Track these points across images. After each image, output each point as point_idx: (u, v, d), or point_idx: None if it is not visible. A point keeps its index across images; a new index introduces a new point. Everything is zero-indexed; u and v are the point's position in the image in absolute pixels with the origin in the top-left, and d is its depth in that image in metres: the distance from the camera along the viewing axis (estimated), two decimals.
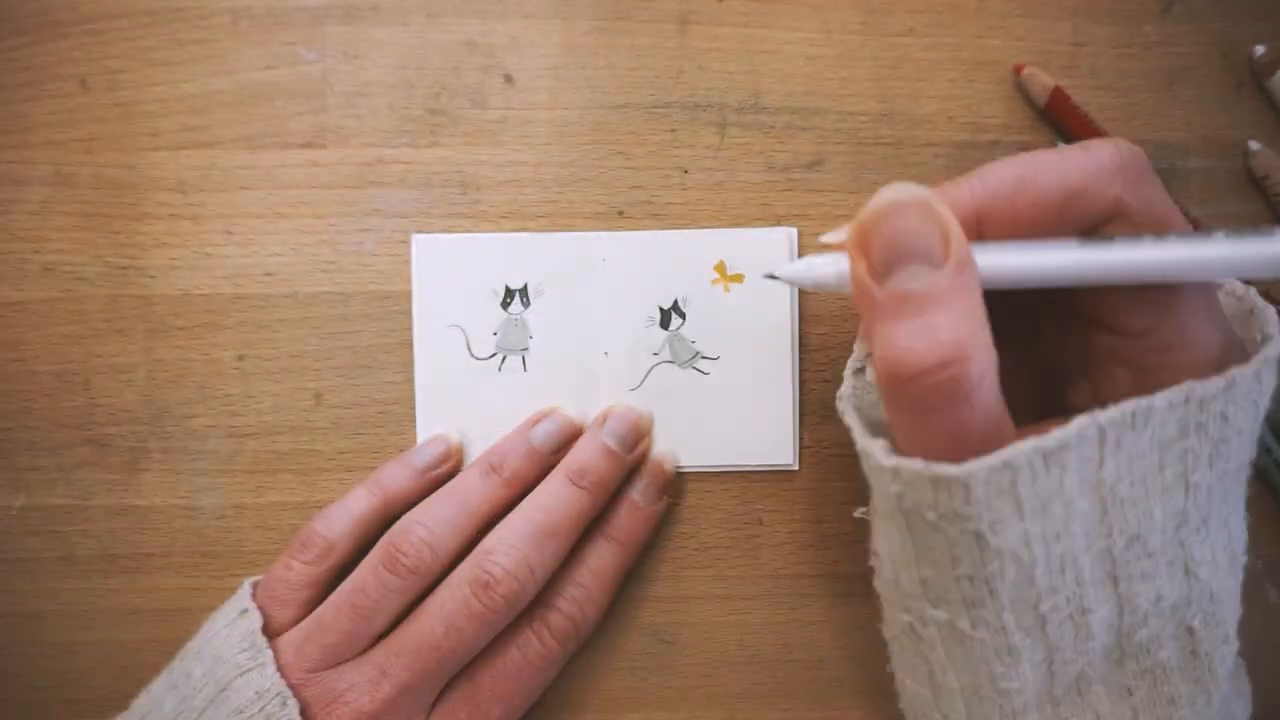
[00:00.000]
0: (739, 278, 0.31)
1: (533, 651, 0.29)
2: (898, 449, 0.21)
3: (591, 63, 0.32)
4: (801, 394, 0.32)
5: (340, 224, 0.32)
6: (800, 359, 0.31)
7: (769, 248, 0.31)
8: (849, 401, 0.25)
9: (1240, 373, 0.20)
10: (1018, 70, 0.32)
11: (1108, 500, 0.20)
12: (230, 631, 0.27)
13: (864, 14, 0.32)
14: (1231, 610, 0.23)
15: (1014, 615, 0.21)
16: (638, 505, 0.30)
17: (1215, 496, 0.22)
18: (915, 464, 0.20)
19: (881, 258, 0.20)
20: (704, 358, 0.31)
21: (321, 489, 0.31)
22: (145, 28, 0.31)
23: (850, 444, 0.24)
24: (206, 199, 0.31)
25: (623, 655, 0.32)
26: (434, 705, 0.28)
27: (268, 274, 0.31)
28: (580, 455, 0.29)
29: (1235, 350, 0.22)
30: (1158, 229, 0.21)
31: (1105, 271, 0.21)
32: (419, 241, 0.31)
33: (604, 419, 0.30)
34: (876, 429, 0.23)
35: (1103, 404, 0.20)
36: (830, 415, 0.32)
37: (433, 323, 0.31)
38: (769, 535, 0.32)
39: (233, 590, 0.30)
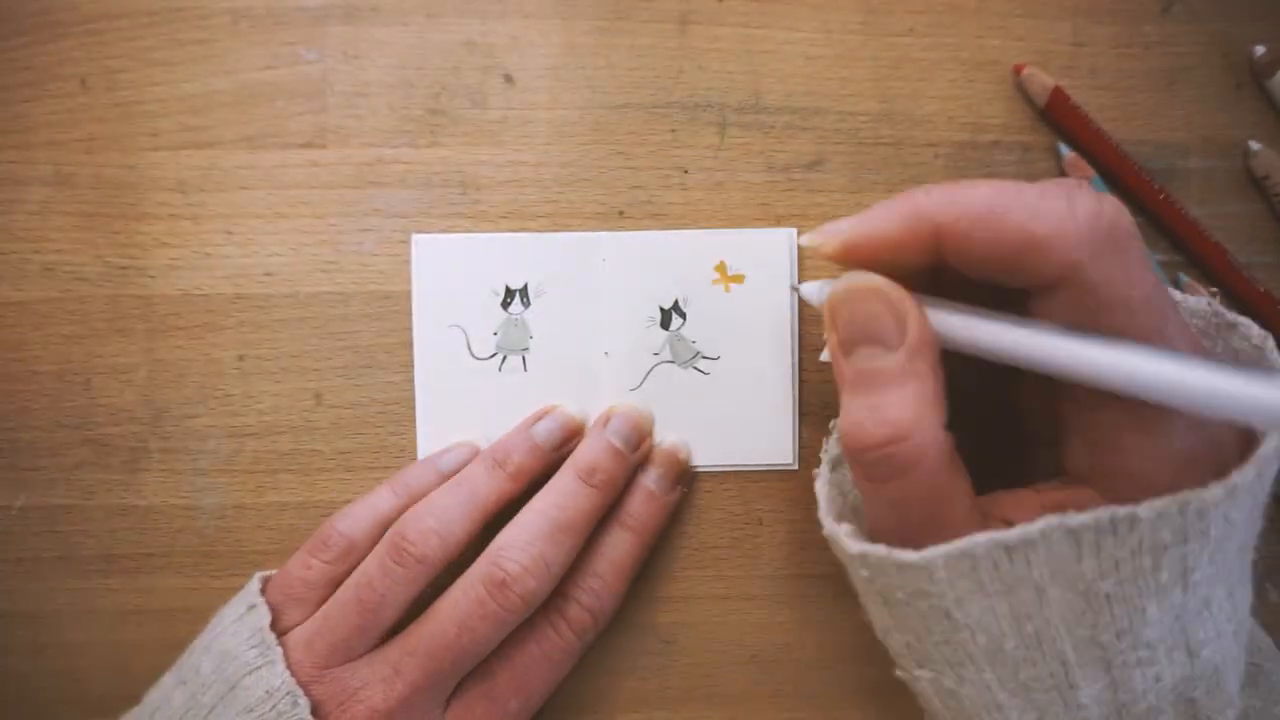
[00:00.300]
0: (739, 278, 0.31)
1: (550, 644, 0.28)
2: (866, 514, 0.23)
3: (591, 63, 0.32)
4: (801, 394, 0.32)
5: (340, 224, 0.32)
6: (800, 359, 0.31)
7: (769, 248, 0.31)
8: (824, 480, 0.25)
9: (1241, 476, 0.19)
10: (1018, 70, 0.32)
11: (1090, 595, 0.20)
12: (239, 627, 0.27)
13: (864, 14, 0.32)
14: (1234, 674, 0.22)
15: (995, 676, 0.21)
16: (653, 494, 0.30)
17: (1218, 581, 0.21)
18: (879, 550, 0.21)
19: (847, 335, 0.22)
20: (704, 358, 0.31)
21: (321, 489, 0.31)
22: (145, 28, 0.31)
23: None
24: (206, 199, 0.31)
25: (623, 655, 0.32)
26: (450, 700, 0.28)
27: (268, 274, 0.31)
28: (588, 454, 0.29)
29: (1216, 431, 0.20)
30: (1110, 309, 0.20)
31: (1064, 366, 0.20)
32: (419, 241, 0.31)
33: (607, 419, 0.30)
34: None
35: (1074, 472, 0.21)
36: (830, 415, 0.32)
37: (433, 323, 0.31)
38: (769, 535, 0.32)
39: (235, 589, 0.30)
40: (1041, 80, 0.32)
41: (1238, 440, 0.21)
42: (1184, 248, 0.32)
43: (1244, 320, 0.23)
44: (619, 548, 0.30)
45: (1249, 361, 0.23)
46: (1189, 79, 0.33)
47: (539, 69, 0.32)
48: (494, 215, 0.32)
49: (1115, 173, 0.32)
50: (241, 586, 0.29)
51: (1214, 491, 0.19)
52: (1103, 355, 0.19)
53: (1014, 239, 0.20)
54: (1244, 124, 0.32)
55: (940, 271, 0.23)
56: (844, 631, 0.32)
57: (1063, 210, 0.20)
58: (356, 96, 0.32)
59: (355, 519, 0.29)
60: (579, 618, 0.29)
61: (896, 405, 0.21)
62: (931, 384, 0.21)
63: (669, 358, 0.31)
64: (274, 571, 0.29)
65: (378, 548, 0.28)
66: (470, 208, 0.32)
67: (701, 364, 0.31)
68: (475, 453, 0.30)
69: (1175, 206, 0.31)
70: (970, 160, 0.32)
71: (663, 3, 0.32)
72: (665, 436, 0.31)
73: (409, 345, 0.31)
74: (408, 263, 0.31)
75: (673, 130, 0.32)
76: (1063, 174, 0.32)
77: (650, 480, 0.30)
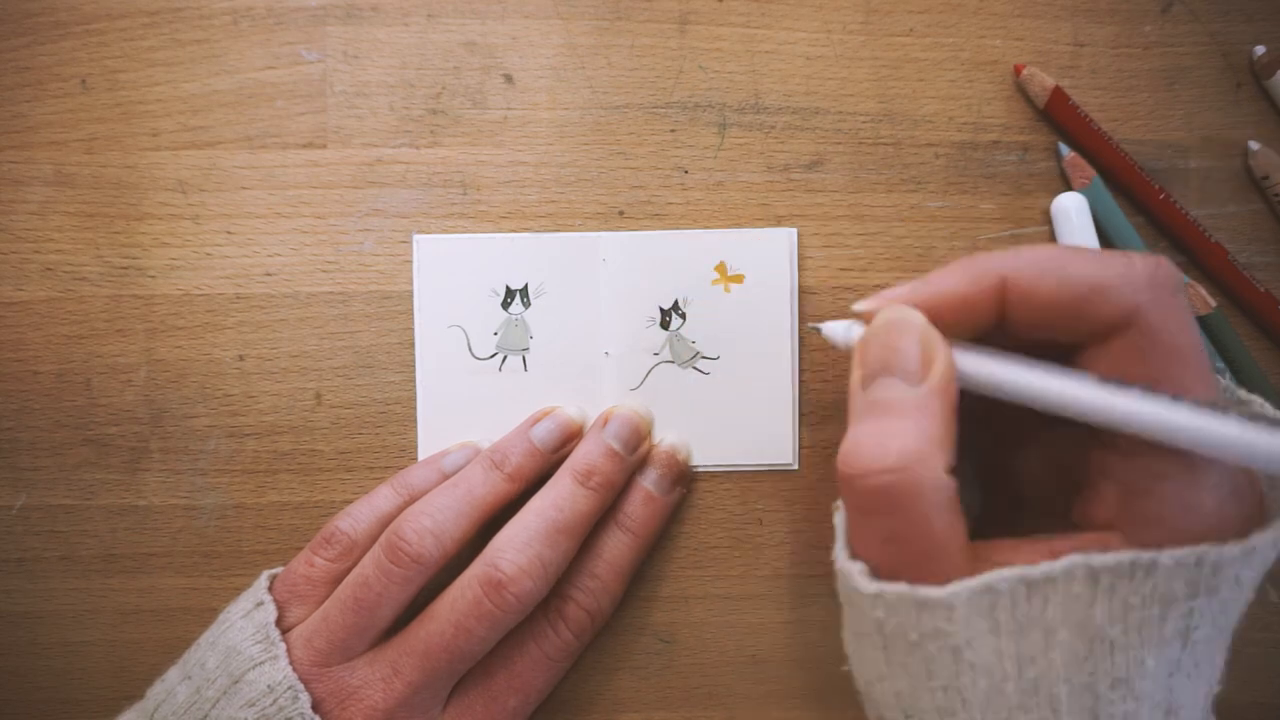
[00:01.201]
0: (739, 278, 0.31)
1: (548, 644, 0.29)
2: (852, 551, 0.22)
3: (591, 63, 0.32)
4: (801, 394, 0.32)
5: (340, 224, 0.32)
6: (800, 359, 0.31)
7: (769, 248, 0.31)
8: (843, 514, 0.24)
9: (1260, 539, 0.20)
10: (1018, 70, 0.32)
11: (1095, 640, 0.20)
12: (245, 624, 0.27)
13: (864, 14, 0.32)
14: None
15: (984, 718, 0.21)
16: (652, 496, 0.30)
17: (1214, 645, 0.21)
18: (900, 588, 0.20)
19: (870, 369, 0.22)
20: (704, 358, 0.31)
21: (321, 489, 0.31)
22: (145, 28, 0.31)
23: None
24: (207, 199, 0.31)
25: (623, 655, 0.32)
26: (449, 698, 0.28)
27: (268, 274, 0.31)
28: (586, 456, 0.29)
29: (1242, 491, 0.21)
30: (1167, 355, 0.21)
31: (1102, 414, 0.20)
32: (420, 241, 0.31)
33: (605, 421, 0.30)
34: None
35: (1091, 521, 0.21)
36: (830, 415, 0.32)
37: (434, 323, 0.31)
38: (769, 535, 0.32)
39: (235, 589, 0.30)
40: (1041, 80, 0.32)
41: (1260, 505, 0.21)
42: (1184, 248, 0.32)
43: (1256, 399, 0.24)
44: (617, 549, 0.30)
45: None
46: (1189, 79, 0.33)
47: (539, 69, 0.32)
48: (494, 215, 0.32)
49: (1115, 173, 0.32)
50: (242, 586, 0.30)
51: (1232, 549, 0.19)
52: (1149, 406, 0.20)
53: (1079, 284, 0.21)
54: (1244, 124, 0.32)
55: (990, 338, 0.23)
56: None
57: (1123, 261, 0.21)
58: (356, 96, 0.32)
59: (357, 518, 0.29)
60: (577, 618, 0.29)
61: (901, 436, 0.20)
62: (943, 425, 0.21)
63: (669, 358, 0.31)
64: (281, 569, 0.29)
65: (374, 547, 0.28)
66: (470, 208, 0.32)
67: (701, 364, 0.31)
68: (477, 454, 0.30)
69: (1175, 206, 0.31)
70: (970, 160, 0.32)
71: (663, 3, 0.32)
72: (665, 437, 0.31)
73: (409, 345, 0.31)
74: (408, 263, 0.31)
75: (673, 130, 0.32)
76: (1063, 174, 0.32)
77: (649, 482, 0.30)
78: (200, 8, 0.31)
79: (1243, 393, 0.25)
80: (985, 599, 0.20)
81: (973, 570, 0.21)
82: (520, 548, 0.27)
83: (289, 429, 0.31)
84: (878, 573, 0.22)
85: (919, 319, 0.22)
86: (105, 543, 0.31)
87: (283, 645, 0.27)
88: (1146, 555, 0.19)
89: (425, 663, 0.26)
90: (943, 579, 0.20)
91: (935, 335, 0.22)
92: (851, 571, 0.22)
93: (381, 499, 0.29)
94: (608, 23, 0.32)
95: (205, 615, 0.31)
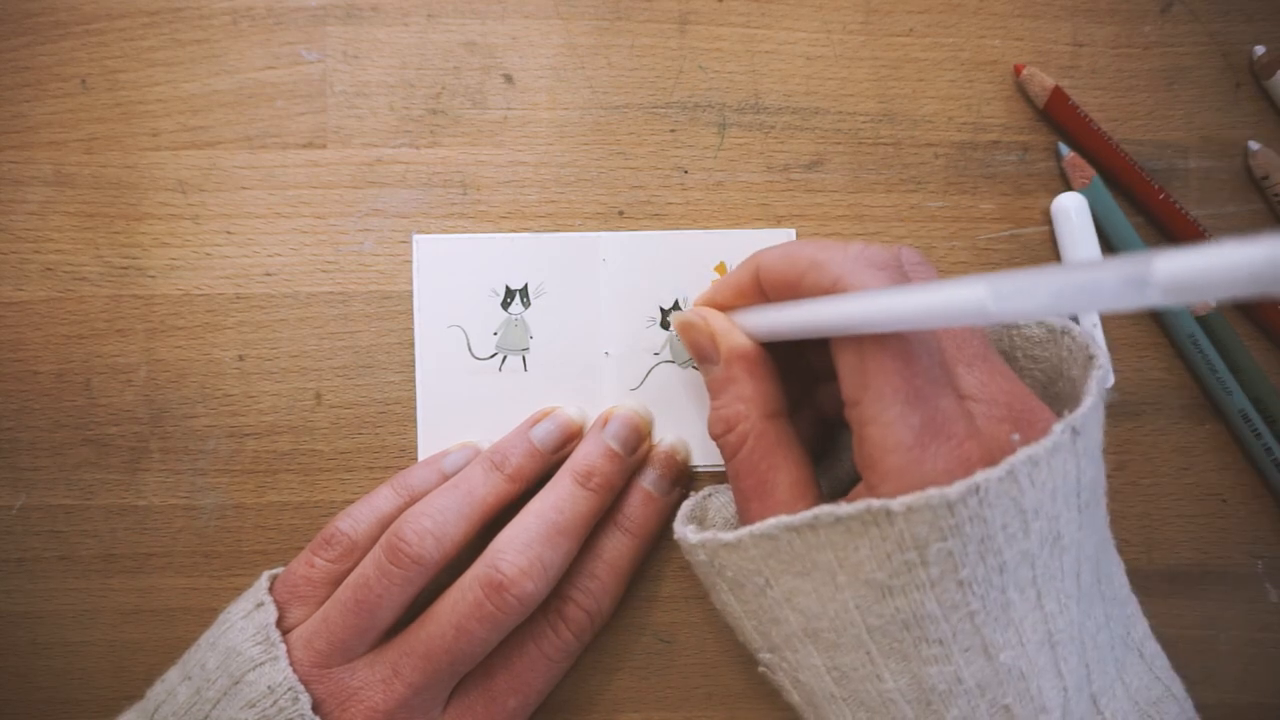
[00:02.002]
0: None
1: (548, 645, 0.29)
2: None
3: (591, 63, 0.32)
4: None
5: (340, 224, 0.32)
6: None
7: None
8: (690, 500, 0.30)
9: (985, 476, 0.20)
10: (1018, 70, 0.32)
11: (871, 585, 0.22)
12: (246, 624, 0.27)
13: (864, 14, 0.32)
14: (1050, 683, 0.22)
15: (821, 661, 0.24)
16: (651, 496, 0.30)
17: (1010, 586, 0.22)
18: (707, 535, 0.25)
19: (694, 357, 0.28)
20: None
21: (321, 489, 0.31)
22: (145, 28, 0.31)
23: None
24: (207, 199, 0.31)
25: (623, 655, 0.32)
26: (449, 699, 0.28)
27: (268, 274, 0.31)
28: (586, 457, 0.29)
29: (944, 422, 0.22)
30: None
31: (809, 324, 0.23)
32: (420, 241, 0.31)
33: (605, 421, 0.30)
34: None
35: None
36: None
37: (433, 323, 0.31)
38: None
39: (235, 589, 0.30)
40: (1041, 80, 0.32)
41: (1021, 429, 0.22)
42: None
43: (1073, 327, 0.26)
44: (616, 549, 0.30)
45: (1079, 360, 0.25)
46: (1189, 79, 0.33)
47: (539, 69, 0.32)
48: (494, 215, 0.32)
49: (1115, 173, 0.32)
50: (242, 586, 0.30)
51: (956, 489, 0.20)
52: (849, 302, 0.22)
53: (801, 261, 0.24)
54: (1244, 124, 0.33)
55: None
56: None
57: (841, 244, 0.24)
58: (356, 96, 0.32)
59: (357, 518, 0.29)
60: (576, 618, 0.29)
61: (724, 404, 0.26)
62: (748, 385, 0.26)
63: (669, 357, 0.31)
64: (282, 569, 0.29)
65: (375, 548, 0.28)
66: (470, 208, 0.32)
67: None
68: (477, 454, 0.30)
69: (1175, 206, 0.32)
70: (970, 160, 0.32)
71: (663, 3, 0.32)
72: (664, 438, 0.31)
73: (409, 345, 0.31)
74: (408, 263, 0.31)
75: (673, 130, 0.32)
76: (1063, 174, 0.32)
77: (648, 482, 0.30)
78: (200, 8, 0.31)
79: (1061, 323, 0.26)
80: (767, 543, 0.23)
81: (803, 503, 0.24)
82: (520, 549, 0.27)
83: (289, 429, 0.31)
84: (741, 517, 0.26)
85: (698, 313, 0.28)
86: (105, 543, 0.31)
87: (283, 646, 0.27)
88: (878, 503, 0.21)
89: (426, 664, 0.26)
90: (772, 509, 0.24)
91: (717, 319, 0.27)
92: (678, 529, 0.27)
93: (382, 500, 0.29)
94: (608, 23, 0.32)
95: (205, 615, 0.31)
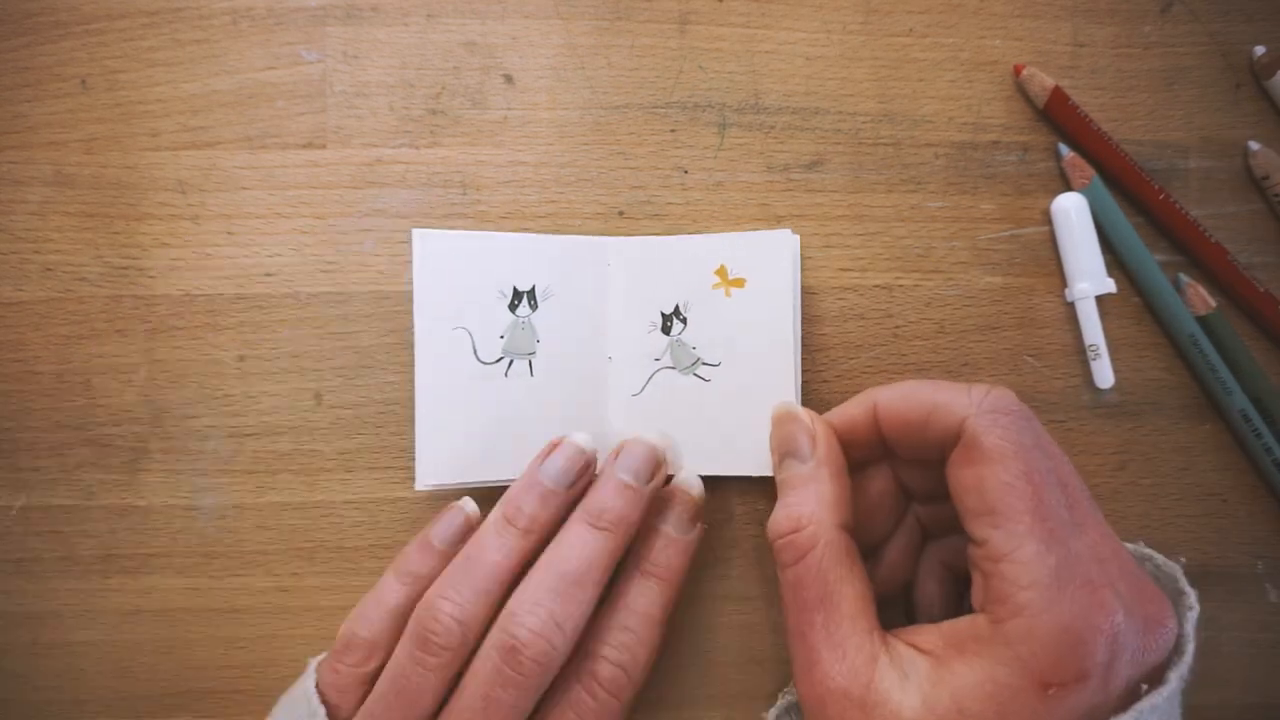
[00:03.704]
0: (740, 282, 0.31)
1: (585, 709, 0.27)
2: None
3: (591, 63, 0.32)
4: (803, 398, 0.32)
5: (340, 224, 0.32)
6: (802, 364, 0.31)
7: (771, 252, 0.31)
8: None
9: (1140, 709, 0.22)
10: (1018, 70, 0.32)
11: None
12: None
13: (864, 14, 0.32)
14: None
15: None
16: (672, 538, 0.29)
17: None
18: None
19: (776, 450, 0.28)
20: (705, 363, 0.31)
21: (322, 489, 0.31)
22: (145, 28, 0.31)
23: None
24: (207, 199, 0.31)
25: None
26: None
27: (268, 274, 0.31)
28: (596, 496, 0.28)
29: (1074, 565, 0.23)
30: (986, 456, 0.24)
31: None
32: (420, 237, 0.30)
33: (617, 454, 0.29)
34: None
35: (974, 607, 0.24)
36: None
37: (435, 323, 0.30)
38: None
39: (234, 589, 0.30)
40: (1041, 80, 0.32)
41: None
42: (1184, 248, 0.32)
43: (1157, 555, 0.27)
44: (645, 597, 0.28)
45: (1164, 584, 0.26)
46: (1189, 79, 0.33)
47: (539, 69, 0.32)
48: (494, 215, 0.32)
49: (1115, 173, 0.32)
50: (242, 586, 0.30)
51: (1159, 694, 0.22)
52: None
53: (925, 402, 0.26)
54: (1244, 124, 0.33)
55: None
56: None
57: (964, 388, 0.25)
58: (356, 96, 0.32)
59: (369, 619, 0.28)
60: (612, 677, 0.27)
61: (799, 503, 0.26)
62: (830, 489, 0.26)
63: (670, 363, 0.31)
64: (325, 656, 0.29)
65: (404, 641, 0.27)
66: (470, 208, 0.32)
67: (702, 370, 0.31)
68: (462, 516, 0.29)
69: (1175, 206, 0.31)
70: (970, 160, 0.32)
71: (663, 3, 0.32)
72: (678, 472, 0.30)
73: (409, 345, 0.31)
74: (408, 262, 0.31)
75: (673, 130, 0.32)
76: (1063, 174, 0.32)
77: (667, 524, 0.29)
78: (200, 8, 0.31)
79: (1145, 549, 0.28)
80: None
81: (873, 638, 0.24)
82: (530, 609, 0.26)
83: (289, 429, 0.31)
84: (790, 624, 0.26)
85: (803, 410, 0.28)
86: (105, 543, 0.31)
87: None
88: (791, 697, 0.24)
89: None
90: (837, 623, 0.24)
91: (819, 420, 0.28)
92: None
93: (388, 593, 0.28)
94: (608, 23, 0.32)
95: (205, 615, 0.31)
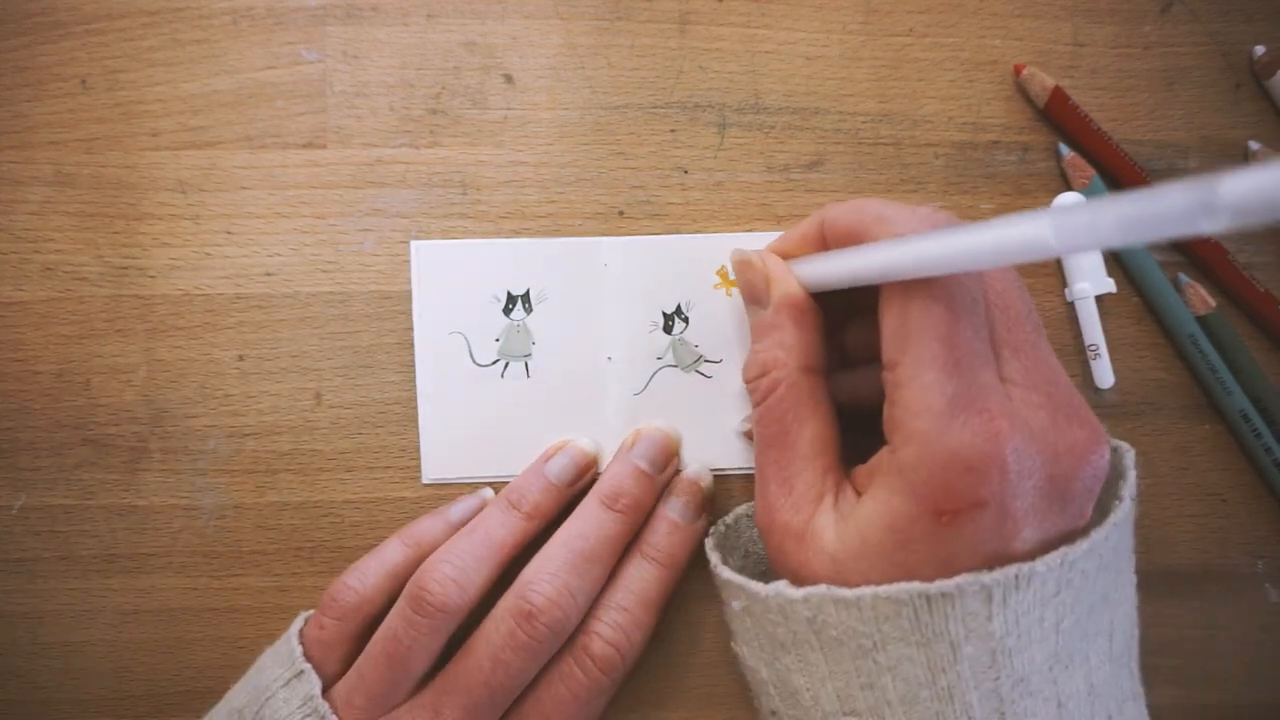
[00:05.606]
0: None
1: (576, 683, 0.28)
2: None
3: (591, 63, 0.32)
4: None
5: (340, 224, 0.32)
6: None
7: None
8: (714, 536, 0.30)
9: (1098, 534, 0.23)
10: (1018, 70, 0.32)
11: (996, 651, 0.22)
12: (289, 695, 0.27)
13: (864, 14, 0.32)
14: None
15: None
16: (677, 525, 0.29)
17: (1075, 635, 0.23)
18: (820, 590, 0.23)
19: (743, 297, 0.28)
20: (707, 361, 0.31)
21: (321, 489, 0.31)
22: (145, 28, 0.31)
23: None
24: (206, 199, 0.31)
25: None
26: None
27: (268, 274, 0.31)
28: (613, 479, 0.29)
29: (976, 394, 0.22)
30: (918, 289, 0.23)
31: (875, 270, 0.23)
32: (418, 248, 0.31)
33: (633, 441, 0.30)
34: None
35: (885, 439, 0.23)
36: None
37: (433, 329, 0.31)
38: None
39: (235, 589, 0.30)
40: (1041, 80, 0.32)
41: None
42: (1184, 248, 0.32)
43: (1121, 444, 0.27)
44: (643, 579, 0.29)
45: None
46: (1189, 79, 0.33)
47: (539, 69, 0.32)
48: (494, 215, 0.32)
49: (1115, 173, 0.32)
50: (242, 586, 0.30)
51: (1080, 547, 0.22)
52: (903, 246, 0.22)
53: (868, 214, 0.25)
54: (1244, 124, 0.33)
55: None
56: None
57: (908, 206, 0.25)
58: (356, 96, 0.32)
59: (365, 572, 0.29)
60: (604, 653, 0.28)
61: (764, 349, 0.27)
62: (792, 332, 0.26)
63: (671, 362, 0.31)
64: (311, 614, 0.29)
65: (400, 601, 0.28)
66: (470, 208, 0.32)
67: (704, 368, 0.31)
68: (480, 501, 0.30)
69: None
70: (970, 160, 0.32)
71: (663, 3, 0.32)
72: (689, 463, 0.31)
73: (409, 345, 0.31)
74: (408, 263, 0.31)
75: (673, 130, 0.32)
76: (1063, 174, 0.32)
77: (673, 511, 0.30)
78: (200, 8, 0.31)
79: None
80: (889, 605, 0.22)
81: (829, 478, 0.25)
82: (548, 578, 0.27)
83: (289, 429, 0.31)
84: (757, 452, 0.26)
85: (757, 254, 0.28)
86: (105, 543, 0.31)
87: (334, 718, 0.27)
88: (1025, 566, 0.22)
89: (466, 699, 0.26)
90: (790, 460, 0.25)
91: (774, 263, 0.27)
92: (778, 587, 0.24)
93: (390, 552, 0.29)
94: (608, 23, 0.32)
95: (205, 615, 0.31)
